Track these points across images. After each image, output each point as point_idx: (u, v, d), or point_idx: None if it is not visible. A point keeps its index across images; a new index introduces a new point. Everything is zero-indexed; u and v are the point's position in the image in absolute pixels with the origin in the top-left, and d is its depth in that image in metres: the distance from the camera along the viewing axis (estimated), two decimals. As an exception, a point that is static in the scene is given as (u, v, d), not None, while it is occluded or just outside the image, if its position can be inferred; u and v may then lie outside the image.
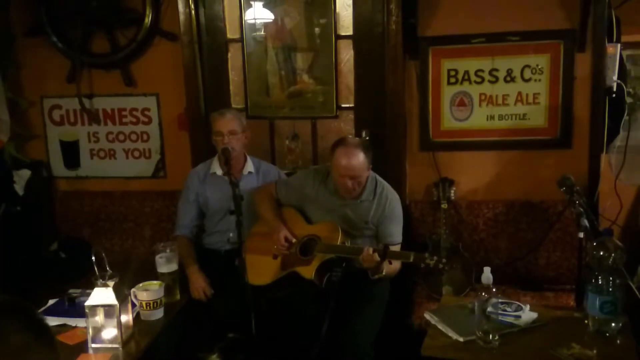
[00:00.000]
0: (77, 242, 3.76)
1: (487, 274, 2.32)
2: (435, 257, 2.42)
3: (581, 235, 2.62)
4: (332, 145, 2.87)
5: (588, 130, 3.25)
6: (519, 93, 3.32)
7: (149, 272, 2.64)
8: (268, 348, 2.70)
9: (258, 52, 3.62)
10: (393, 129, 3.44)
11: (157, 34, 3.60)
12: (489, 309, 2.17)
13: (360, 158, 2.75)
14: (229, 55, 3.69)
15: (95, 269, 2.24)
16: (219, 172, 3.20)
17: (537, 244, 3.29)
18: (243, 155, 3.26)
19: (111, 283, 2.22)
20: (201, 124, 3.65)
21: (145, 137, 3.80)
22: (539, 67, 3.27)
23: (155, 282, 2.49)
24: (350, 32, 3.53)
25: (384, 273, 2.67)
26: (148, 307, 2.41)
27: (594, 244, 2.28)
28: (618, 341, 2.12)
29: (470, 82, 3.36)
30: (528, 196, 3.33)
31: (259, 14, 3.54)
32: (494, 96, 3.35)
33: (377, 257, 2.55)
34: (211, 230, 3.27)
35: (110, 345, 2.19)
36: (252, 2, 3.54)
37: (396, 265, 2.77)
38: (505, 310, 2.31)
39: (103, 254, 2.28)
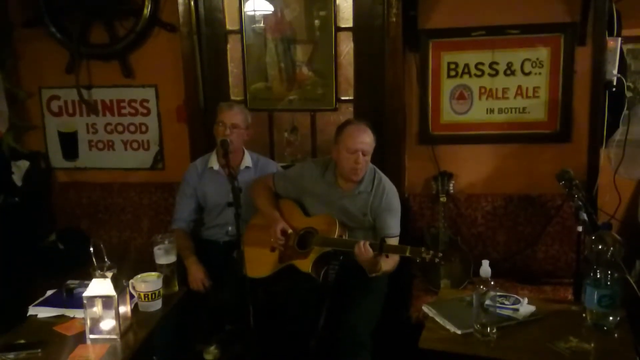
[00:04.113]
0: (76, 233, 3.76)
1: (485, 267, 2.33)
2: (431, 251, 2.42)
3: (580, 229, 2.61)
4: (338, 127, 2.89)
5: (587, 124, 3.25)
6: (519, 86, 3.31)
7: (147, 264, 2.63)
8: (265, 340, 2.70)
9: (257, 43, 3.61)
10: (392, 122, 3.44)
11: (156, 25, 3.59)
12: (487, 302, 2.18)
13: (370, 134, 2.82)
14: (228, 46, 3.68)
15: (94, 260, 2.23)
16: (216, 166, 3.21)
17: (535, 238, 3.30)
18: (241, 150, 3.26)
19: (109, 274, 2.21)
20: (200, 116, 3.65)
21: (143, 128, 3.80)
22: (539, 60, 3.26)
23: (153, 273, 2.48)
24: (350, 24, 3.52)
25: (382, 271, 2.68)
26: (146, 299, 2.40)
27: (593, 237, 2.28)
28: (616, 335, 2.12)
29: (470, 76, 3.35)
30: (527, 190, 3.33)
31: (258, 6, 3.53)
32: (494, 89, 3.34)
33: (370, 252, 2.55)
34: (210, 224, 3.27)
35: (108, 336, 2.19)
36: (251, -6, 3.53)
37: (394, 260, 2.77)
38: (503, 304, 2.31)
39: (101, 245, 2.27)
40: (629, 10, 3.12)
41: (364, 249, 2.57)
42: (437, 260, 2.41)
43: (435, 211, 3.33)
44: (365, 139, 2.79)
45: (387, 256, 2.63)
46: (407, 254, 2.52)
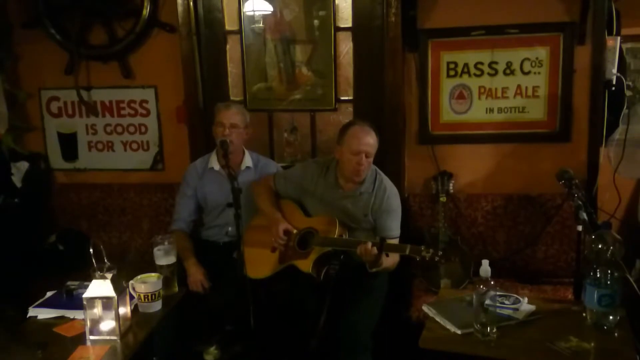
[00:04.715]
0: (75, 234, 3.76)
1: (485, 267, 2.32)
2: (431, 250, 2.42)
3: (579, 228, 2.61)
4: (341, 128, 2.88)
5: (587, 123, 3.25)
6: (518, 86, 3.31)
7: (147, 265, 2.63)
8: (266, 340, 2.70)
9: (257, 44, 3.60)
10: (392, 122, 3.44)
11: (155, 26, 3.59)
12: (487, 301, 2.17)
13: (373, 135, 2.82)
14: (228, 47, 3.68)
15: (94, 261, 2.23)
16: (217, 167, 3.21)
17: (535, 237, 3.29)
18: (241, 150, 3.25)
19: (109, 275, 2.21)
20: (199, 117, 3.65)
21: (143, 129, 3.80)
22: (539, 59, 3.26)
23: (153, 274, 2.49)
24: (349, 24, 3.52)
25: (382, 266, 2.67)
26: (146, 300, 2.41)
27: (593, 237, 2.27)
28: (616, 334, 2.12)
29: (469, 75, 3.35)
30: (527, 189, 3.33)
31: (257, 6, 3.53)
32: (493, 89, 3.34)
33: (375, 250, 2.55)
34: (210, 224, 3.27)
35: (108, 337, 2.19)
36: (250, -6, 3.53)
37: (395, 258, 2.77)
38: (503, 303, 2.31)
39: (101, 246, 2.27)
40: (628, 9, 3.12)
41: (370, 250, 2.56)
42: (437, 258, 2.41)
43: (435, 211, 3.32)
44: (369, 141, 2.79)
45: (387, 255, 2.63)
46: (407, 253, 2.52)
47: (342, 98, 3.60)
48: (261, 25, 3.56)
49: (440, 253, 2.41)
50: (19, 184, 3.72)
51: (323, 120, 3.69)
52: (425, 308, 2.42)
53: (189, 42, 3.56)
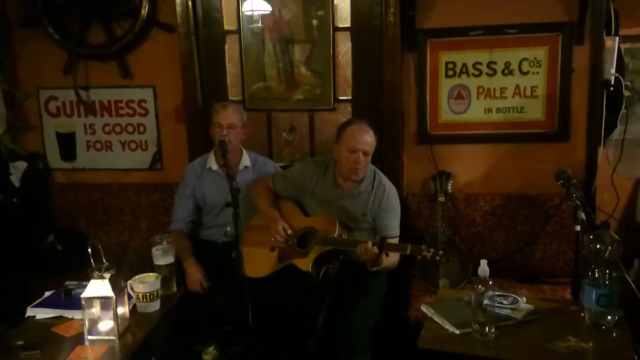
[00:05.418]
0: (74, 234, 3.75)
1: (483, 267, 2.32)
2: (432, 249, 2.42)
3: (578, 228, 2.61)
4: (339, 127, 2.88)
5: (585, 123, 3.25)
6: (517, 86, 3.31)
7: (146, 265, 2.63)
8: (265, 340, 2.70)
9: (255, 44, 3.60)
10: (390, 122, 3.44)
11: (154, 26, 3.59)
12: (486, 301, 2.18)
13: (371, 134, 2.82)
14: (226, 47, 3.68)
15: (92, 261, 2.23)
16: (215, 167, 3.21)
17: (534, 237, 3.29)
18: (239, 150, 3.25)
19: (107, 275, 2.22)
20: (198, 116, 3.64)
21: (142, 129, 3.79)
22: (537, 59, 3.26)
23: (151, 274, 2.49)
24: (348, 24, 3.52)
25: (382, 265, 2.67)
26: (144, 299, 2.41)
27: (591, 237, 2.28)
28: (614, 334, 2.13)
29: (468, 75, 3.35)
30: (525, 189, 3.33)
31: (256, 6, 3.53)
32: (492, 89, 3.34)
33: (375, 250, 2.55)
34: (209, 224, 3.27)
35: (106, 337, 2.19)
36: (249, -6, 3.52)
37: (394, 257, 2.77)
38: (502, 303, 2.31)
39: (99, 246, 2.27)
40: (627, 9, 3.12)
41: (370, 249, 2.56)
42: (438, 258, 2.41)
43: (433, 211, 3.32)
44: (367, 139, 2.79)
45: (387, 254, 2.63)
46: (408, 252, 2.52)
47: (341, 98, 3.60)
48: (260, 25, 3.56)
49: (440, 253, 2.41)
50: (17, 184, 3.72)
51: (322, 120, 3.69)
52: (424, 308, 2.42)
53: (188, 42, 3.55)
